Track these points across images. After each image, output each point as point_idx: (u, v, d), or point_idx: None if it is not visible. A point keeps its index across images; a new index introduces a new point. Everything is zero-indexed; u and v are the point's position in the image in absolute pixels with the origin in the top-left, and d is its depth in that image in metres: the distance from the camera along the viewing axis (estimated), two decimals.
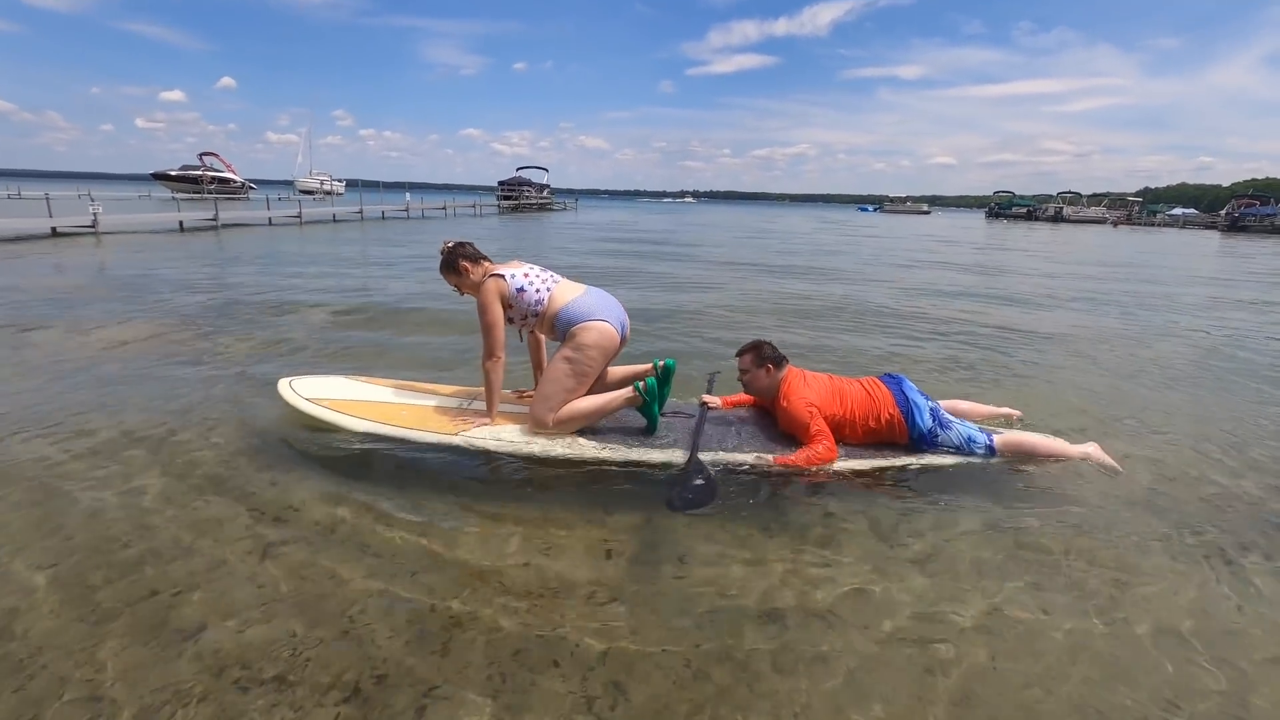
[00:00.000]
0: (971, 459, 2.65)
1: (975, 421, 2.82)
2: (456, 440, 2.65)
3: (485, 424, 2.73)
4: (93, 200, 14.78)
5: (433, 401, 2.99)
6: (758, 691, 1.51)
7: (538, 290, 2.68)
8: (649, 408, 2.68)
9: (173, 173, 38.35)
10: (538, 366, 3.07)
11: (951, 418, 2.71)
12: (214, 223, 16.73)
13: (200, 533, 2.11)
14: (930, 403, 2.70)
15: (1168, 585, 1.99)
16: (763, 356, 2.77)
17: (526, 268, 2.75)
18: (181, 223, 16.09)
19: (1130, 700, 1.52)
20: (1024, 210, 62.48)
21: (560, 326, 2.66)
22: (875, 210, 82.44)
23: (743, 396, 3.01)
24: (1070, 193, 64.28)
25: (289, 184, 57.98)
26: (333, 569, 1.94)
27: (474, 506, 2.36)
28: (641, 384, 2.63)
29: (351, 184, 53.98)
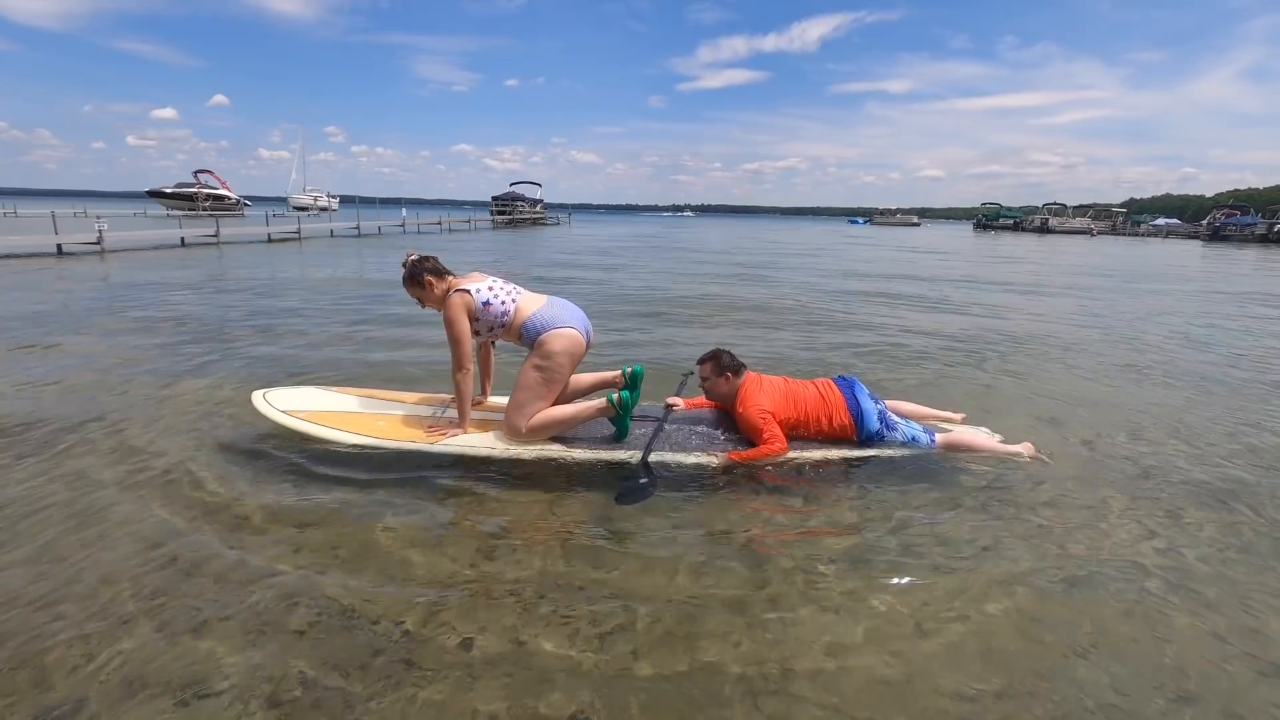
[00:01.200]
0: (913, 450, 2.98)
1: (919, 422, 3.17)
2: (433, 448, 2.78)
3: (459, 432, 2.85)
4: (98, 218, 15.05)
5: (406, 411, 3.08)
6: (728, 661, 1.75)
7: (503, 302, 2.77)
8: (620, 419, 2.85)
9: (168, 190, 38.79)
10: (485, 376, 3.26)
11: (897, 419, 3.00)
12: (215, 239, 17.09)
13: (186, 543, 2.17)
14: (879, 405, 3.01)
15: (1092, 544, 2.32)
16: (721, 365, 2.97)
17: (490, 280, 2.83)
18: (183, 239, 16.45)
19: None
20: (1011, 221, 63.35)
21: (528, 335, 2.76)
22: (865, 222, 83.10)
23: (706, 399, 3.27)
24: (1056, 204, 65.17)
25: (282, 200, 58.19)
26: (313, 582, 1.96)
27: (452, 512, 2.46)
28: (616, 397, 2.79)
29: (346, 200, 54.30)
